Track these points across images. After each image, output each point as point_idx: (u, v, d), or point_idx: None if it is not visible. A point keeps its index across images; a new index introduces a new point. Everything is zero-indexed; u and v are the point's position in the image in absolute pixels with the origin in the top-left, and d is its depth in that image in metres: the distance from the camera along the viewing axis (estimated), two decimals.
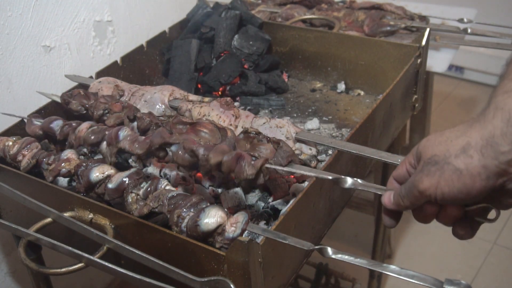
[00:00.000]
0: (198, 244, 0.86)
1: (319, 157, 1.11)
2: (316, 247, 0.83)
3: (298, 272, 1.05)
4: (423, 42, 1.37)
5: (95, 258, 0.90)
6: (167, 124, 1.07)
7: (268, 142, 1.01)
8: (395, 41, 1.48)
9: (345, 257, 0.80)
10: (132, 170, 1.02)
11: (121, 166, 1.16)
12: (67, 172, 1.06)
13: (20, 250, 0.98)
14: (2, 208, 1.18)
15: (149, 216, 0.96)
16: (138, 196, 0.98)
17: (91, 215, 0.99)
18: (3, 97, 1.37)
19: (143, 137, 1.03)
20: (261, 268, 0.84)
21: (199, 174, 1.15)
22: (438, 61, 1.66)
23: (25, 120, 1.23)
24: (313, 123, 1.35)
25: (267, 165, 0.93)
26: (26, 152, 1.11)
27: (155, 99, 1.23)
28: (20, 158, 1.11)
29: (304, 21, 1.75)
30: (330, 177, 0.90)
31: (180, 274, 0.84)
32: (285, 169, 0.95)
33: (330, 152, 1.23)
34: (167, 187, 0.97)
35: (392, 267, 0.76)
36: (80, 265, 0.92)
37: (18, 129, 1.23)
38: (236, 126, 1.14)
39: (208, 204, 0.93)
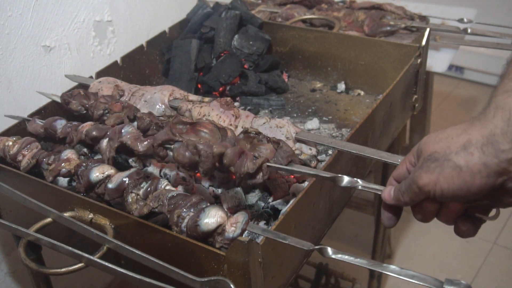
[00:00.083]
0: (198, 244, 0.86)
1: (319, 157, 1.11)
2: (316, 247, 0.83)
3: (298, 272, 1.05)
4: (423, 42, 1.37)
5: (95, 258, 0.90)
6: (167, 124, 1.07)
7: (268, 142, 1.01)
8: (395, 41, 1.48)
9: (345, 257, 0.80)
10: (132, 170, 1.02)
11: (121, 166, 1.16)
12: (67, 172, 1.06)
13: (20, 250, 0.98)
14: (2, 208, 1.18)
15: (149, 216, 0.96)
16: (138, 196, 0.98)
17: (91, 215, 0.99)
18: (3, 97, 1.37)
19: (147, 137, 1.03)
20: (261, 268, 0.84)
21: (199, 174, 1.15)
22: (438, 61, 1.66)
23: (26, 121, 1.23)
24: (313, 123, 1.35)
25: (268, 164, 0.93)
26: (26, 152, 1.11)
27: (155, 99, 1.23)
28: (20, 158, 1.11)
29: (304, 21, 1.75)
30: (328, 175, 0.90)
31: (180, 274, 0.84)
32: (285, 167, 0.94)
33: (330, 152, 1.23)
34: (167, 187, 0.97)
35: (392, 267, 0.76)
36: (80, 265, 0.92)
37: (18, 129, 1.23)
38: (236, 126, 1.14)
39: (208, 204, 0.93)
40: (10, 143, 1.14)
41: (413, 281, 0.74)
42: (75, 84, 1.39)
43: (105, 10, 1.60)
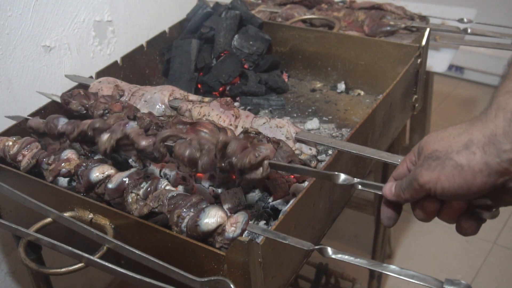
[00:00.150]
0: (198, 244, 0.86)
1: (319, 157, 1.11)
2: (316, 247, 0.83)
3: (298, 272, 1.05)
4: (423, 42, 1.37)
5: (95, 258, 0.90)
6: (167, 124, 1.07)
7: (268, 142, 1.01)
8: (395, 41, 1.48)
9: (345, 257, 0.80)
10: (132, 170, 1.02)
11: (121, 166, 1.16)
12: (67, 172, 1.06)
13: (20, 250, 0.98)
14: (2, 208, 1.18)
15: (149, 216, 0.96)
16: (138, 196, 0.98)
17: (91, 215, 0.99)
18: (3, 97, 1.37)
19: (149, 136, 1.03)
20: (261, 268, 0.84)
21: (199, 174, 1.15)
22: (438, 61, 1.66)
23: (27, 128, 1.23)
24: (313, 123, 1.35)
25: (270, 161, 0.93)
26: (26, 152, 1.11)
27: (155, 99, 1.24)
28: (20, 158, 1.11)
29: (304, 21, 1.75)
30: (326, 174, 0.90)
31: (180, 274, 0.84)
32: (286, 164, 0.94)
33: (330, 152, 1.23)
34: (167, 187, 0.97)
35: (392, 267, 0.76)
36: (80, 265, 0.92)
37: (18, 129, 1.23)
38: (236, 126, 1.14)
39: (208, 204, 0.93)
40: (10, 143, 1.14)
41: (413, 281, 0.74)
42: (75, 84, 1.39)
43: (105, 10, 1.60)
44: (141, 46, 1.55)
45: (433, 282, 0.73)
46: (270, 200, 1.09)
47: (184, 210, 0.91)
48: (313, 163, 1.07)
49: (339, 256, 0.80)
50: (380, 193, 0.83)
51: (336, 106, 1.45)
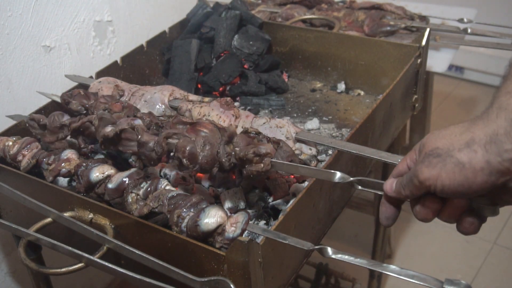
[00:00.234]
0: (198, 244, 0.86)
1: (319, 157, 1.11)
2: (316, 247, 0.83)
3: (298, 272, 1.05)
4: (423, 42, 1.37)
5: (95, 258, 0.90)
6: (167, 124, 1.07)
7: (268, 142, 1.01)
8: (395, 41, 1.48)
9: (345, 257, 0.80)
10: (132, 170, 1.02)
11: (121, 166, 1.16)
12: (67, 172, 1.06)
13: (20, 250, 0.98)
14: (2, 208, 1.18)
15: (149, 216, 0.96)
16: (138, 196, 0.98)
17: (91, 215, 0.99)
18: (3, 97, 1.37)
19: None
20: (261, 268, 0.84)
21: (199, 174, 1.15)
22: (438, 61, 1.66)
23: (25, 120, 1.23)
24: (313, 123, 1.35)
25: (271, 159, 0.93)
26: (26, 152, 1.11)
27: (155, 99, 1.24)
28: (20, 158, 1.11)
29: (304, 21, 1.75)
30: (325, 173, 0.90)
31: (180, 274, 0.84)
32: (287, 163, 0.94)
33: (330, 152, 1.23)
34: (167, 187, 0.97)
35: (392, 267, 0.76)
36: (80, 265, 0.92)
37: (18, 129, 1.23)
38: (236, 126, 1.15)
39: (208, 204, 0.93)
40: (10, 143, 1.14)
41: (413, 281, 0.74)
42: (75, 84, 1.39)
43: (105, 10, 1.60)
44: (141, 46, 1.55)
45: (433, 282, 0.73)
46: (270, 200, 1.09)
47: (184, 210, 0.91)
48: (313, 163, 1.07)
49: (339, 256, 0.80)
50: (377, 192, 0.83)
51: (336, 106, 1.45)
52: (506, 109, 0.65)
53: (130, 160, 1.21)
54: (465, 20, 1.69)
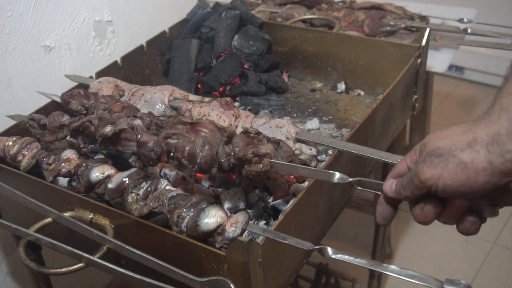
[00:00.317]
0: (198, 244, 0.86)
1: (319, 157, 1.11)
2: (316, 247, 0.83)
3: (298, 272, 1.04)
4: (423, 42, 1.37)
5: (95, 258, 0.90)
6: (167, 124, 1.07)
7: (268, 142, 1.01)
8: (395, 41, 1.48)
9: (345, 257, 0.80)
10: (132, 170, 1.02)
11: (121, 166, 1.16)
12: (67, 172, 1.06)
13: (20, 250, 0.98)
14: (2, 208, 1.18)
15: (149, 216, 0.96)
16: (138, 196, 0.98)
17: (91, 215, 0.99)
18: (3, 97, 1.37)
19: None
20: (261, 268, 0.84)
21: (199, 174, 1.15)
22: (438, 61, 1.66)
23: (25, 120, 1.23)
24: (313, 123, 1.35)
25: (271, 160, 0.93)
26: (26, 152, 1.11)
27: (155, 99, 1.24)
28: (20, 158, 1.11)
29: (304, 21, 1.75)
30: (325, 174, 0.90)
31: (180, 274, 0.84)
32: (286, 163, 0.94)
33: (330, 152, 1.23)
34: (167, 187, 0.97)
35: (392, 267, 0.76)
36: (80, 265, 0.92)
37: (18, 129, 1.23)
38: (236, 126, 1.14)
39: (208, 204, 0.93)
40: (10, 143, 1.14)
41: (413, 281, 0.74)
42: (75, 84, 1.39)
43: (105, 10, 1.60)
44: (141, 46, 1.55)
45: (433, 282, 0.73)
46: (270, 200, 1.09)
47: (184, 210, 0.91)
48: (313, 163, 1.07)
49: (339, 256, 0.80)
50: (376, 192, 0.83)
51: (336, 106, 1.45)
52: (507, 110, 0.65)
53: (130, 160, 1.21)
54: (465, 20, 1.69)
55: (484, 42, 1.66)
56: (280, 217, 0.91)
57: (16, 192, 1.02)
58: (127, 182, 0.99)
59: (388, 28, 1.66)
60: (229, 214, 0.91)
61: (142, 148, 1.00)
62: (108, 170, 1.02)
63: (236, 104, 1.46)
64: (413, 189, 0.72)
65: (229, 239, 0.87)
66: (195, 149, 0.95)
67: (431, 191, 0.71)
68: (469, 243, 2.21)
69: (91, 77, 1.39)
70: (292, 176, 1.10)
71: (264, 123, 1.13)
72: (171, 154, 0.99)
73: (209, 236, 0.88)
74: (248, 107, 1.46)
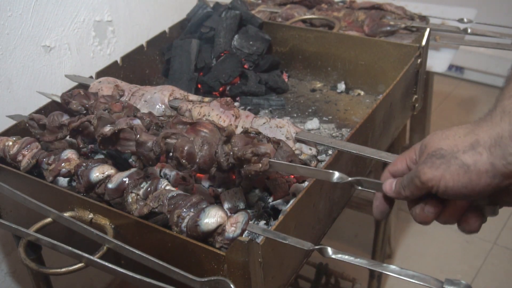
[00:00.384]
0: (198, 244, 0.86)
1: (319, 157, 1.11)
2: (316, 247, 0.83)
3: (298, 272, 1.04)
4: (423, 42, 1.37)
5: (95, 258, 0.90)
6: (167, 124, 1.07)
7: (268, 142, 1.01)
8: (395, 41, 1.48)
9: (345, 257, 0.80)
10: (132, 170, 1.02)
11: (121, 166, 1.16)
12: (67, 172, 1.06)
13: (20, 250, 0.98)
14: (2, 208, 1.18)
15: (149, 216, 0.96)
16: (138, 196, 0.98)
17: (91, 215, 0.99)
18: (3, 97, 1.37)
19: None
20: (261, 268, 0.84)
21: (199, 174, 1.15)
22: (438, 61, 1.66)
23: (25, 120, 1.23)
24: (313, 123, 1.35)
25: (270, 159, 0.93)
26: (26, 152, 1.11)
27: (155, 99, 1.24)
28: (20, 158, 1.11)
29: (304, 21, 1.75)
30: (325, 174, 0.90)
31: (180, 274, 0.84)
32: (285, 163, 0.94)
33: (330, 152, 1.23)
34: (167, 187, 0.97)
35: (392, 267, 0.76)
36: (80, 265, 0.92)
37: (18, 129, 1.23)
38: (236, 126, 1.14)
39: (208, 204, 0.93)
40: (10, 143, 1.14)
41: (413, 281, 0.74)
42: (75, 84, 1.39)
43: (105, 10, 1.60)
44: (141, 46, 1.55)
45: (433, 282, 0.73)
46: (270, 200, 1.09)
47: (184, 210, 0.91)
48: (313, 163, 1.07)
49: (339, 256, 0.80)
50: (376, 192, 0.83)
51: (336, 106, 1.45)
52: (509, 113, 0.65)
53: (130, 160, 1.21)
54: (465, 20, 1.69)
55: (484, 42, 1.66)
56: (280, 217, 0.91)
57: (16, 192, 1.02)
58: (127, 182, 0.99)
59: (388, 28, 1.66)
60: (229, 214, 0.91)
61: (141, 148, 1.00)
62: (108, 170, 1.02)
63: (236, 104, 1.46)
64: (414, 189, 0.72)
65: (229, 239, 0.87)
66: (194, 149, 0.95)
67: (431, 192, 0.70)
68: (469, 243, 2.21)
69: (91, 77, 1.40)
70: (292, 176, 1.10)
71: (264, 123, 1.13)
72: (170, 154, 0.99)
73: (209, 236, 0.88)
74: (248, 107, 1.46)
